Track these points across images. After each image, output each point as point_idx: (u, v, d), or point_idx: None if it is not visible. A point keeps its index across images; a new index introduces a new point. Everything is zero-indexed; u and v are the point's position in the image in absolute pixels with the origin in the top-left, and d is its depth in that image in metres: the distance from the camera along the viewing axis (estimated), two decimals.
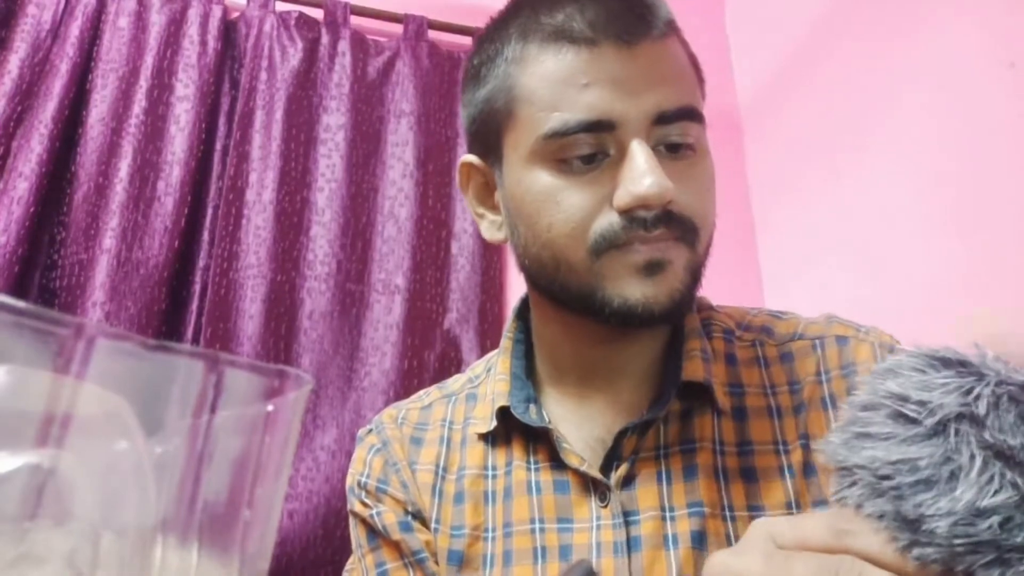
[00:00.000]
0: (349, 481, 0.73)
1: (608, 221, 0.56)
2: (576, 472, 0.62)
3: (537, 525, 0.62)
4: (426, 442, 0.71)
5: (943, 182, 1.22)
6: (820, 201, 1.51)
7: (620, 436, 0.62)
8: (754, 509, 0.59)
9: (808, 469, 0.60)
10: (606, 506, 0.61)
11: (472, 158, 0.66)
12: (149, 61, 1.46)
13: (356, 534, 0.71)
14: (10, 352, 0.19)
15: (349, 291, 1.49)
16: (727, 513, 0.59)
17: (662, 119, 0.56)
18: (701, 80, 0.63)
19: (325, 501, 1.38)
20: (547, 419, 0.65)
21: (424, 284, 1.53)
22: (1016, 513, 0.31)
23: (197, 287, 1.44)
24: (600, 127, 0.55)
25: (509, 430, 0.66)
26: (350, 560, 0.72)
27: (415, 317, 1.50)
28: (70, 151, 1.41)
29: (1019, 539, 0.31)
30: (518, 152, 0.60)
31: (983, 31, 1.20)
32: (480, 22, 1.86)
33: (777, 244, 1.68)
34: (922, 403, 0.34)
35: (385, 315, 1.49)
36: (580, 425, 0.65)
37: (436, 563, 0.67)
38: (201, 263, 1.45)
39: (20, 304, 0.19)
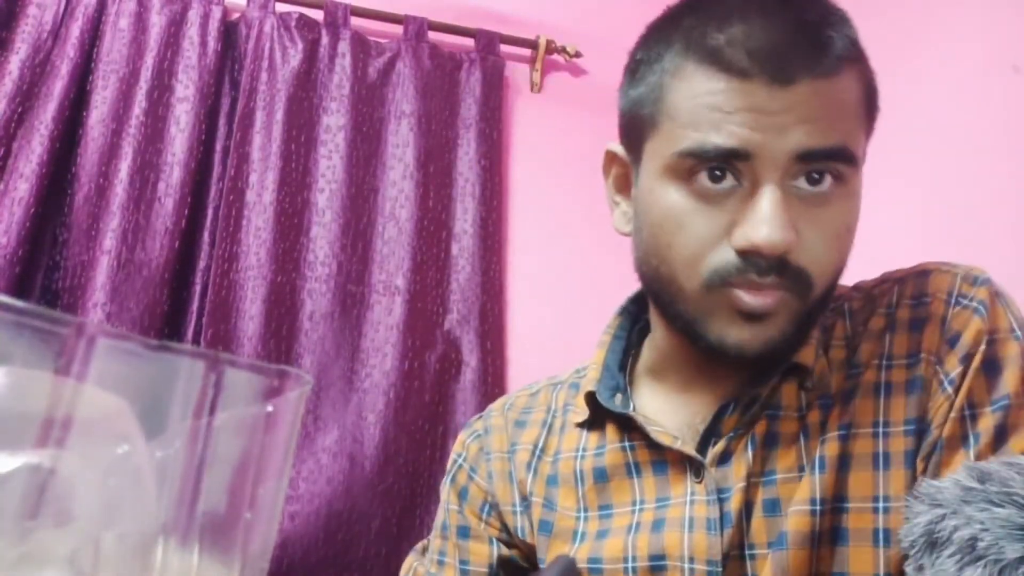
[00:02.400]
0: (448, 463, 0.77)
1: (724, 258, 0.55)
2: (672, 451, 0.62)
3: (638, 507, 0.63)
4: (529, 424, 0.73)
5: (945, 184, 1.22)
6: None
7: (720, 414, 0.62)
8: (843, 466, 0.58)
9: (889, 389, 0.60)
10: (700, 482, 0.61)
11: (617, 148, 0.66)
12: (149, 62, 1.46)
13: (439, 514, 0.76)
14: (11, 352, 0.19)
15: (350, 292, 1.49)
16: (800, 475, 0.59)
17: (806, 157, 0.54)
18: (872, 113, 0.59)
19: (327, 503, 1.38)
20: (632, 407, 0.66)
21: (425, 285, 1.53)
22: None
23: (198, 288, 1.44)
24: (736, 156, 0.54)
25: (603, 417, 0.67)
26: (428, 538, 0.77)
27: (416, 318, 1.50)
28: (71, 152, 1.41)
29: None
30: (654, 162, 0.59)
31: (986, 35, 1.19)
32: (480, 23, 1.86)
33: None
34: None
35: (386, 316, 1.49)
36: (676, 413, 0.66)
37: (511, 547, 0.71)
38: (202, 264, 1.45)
39: (21, 304, 0.19)
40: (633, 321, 0.73)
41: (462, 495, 0.74)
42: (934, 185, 1.24)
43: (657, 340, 0.69)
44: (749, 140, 0.53)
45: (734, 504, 0.59)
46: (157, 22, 1.49)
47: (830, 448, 0.58)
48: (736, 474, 0.60)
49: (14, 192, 1.33)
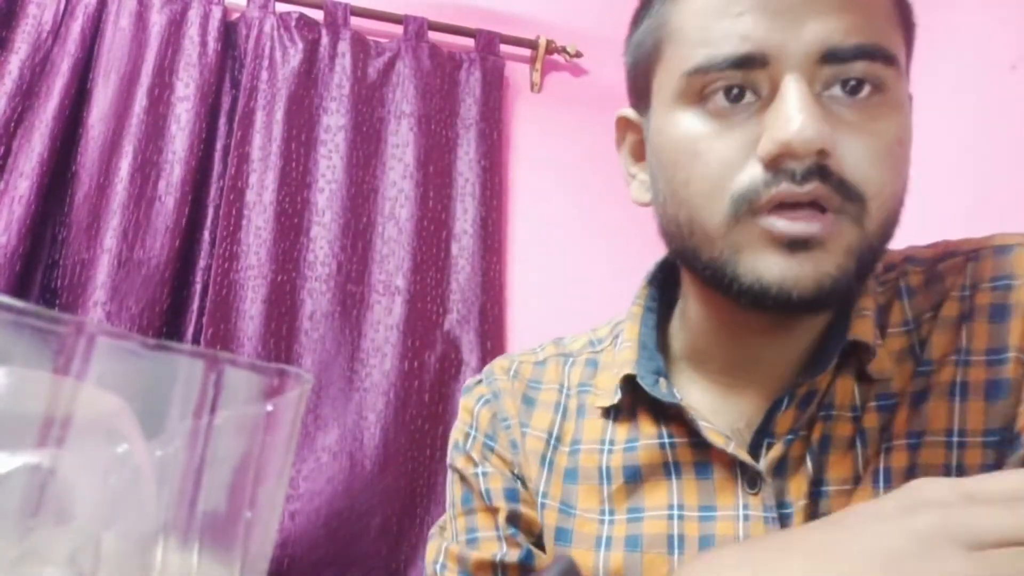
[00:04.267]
0: (453, 435, 0.66)
1: (750, 176, 0.47)
2: (721, 453, 0.53)
3: (676, 512, 0.55)
4: (539, 404, 0.63)
5: (945, 184, 1.22)
6: None
7: (773, 410, 0.52)
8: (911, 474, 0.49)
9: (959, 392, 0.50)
10: (756, 493, 0.52)
11: (628, 112, 0.59)
12: (150, 61, 1.46)
13: (452, 491, 0.65)
14: (10, 351, 0.19)
15: (350, 292, 1.49)
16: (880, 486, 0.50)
17: (832, 56, 0.46)
18: (907, 21, 0.51)
19: (327, 502, 1.38)
20: (679, 397, 0.56)
21: (424, 285, 1.53)
22: None
23: (198, 287, 1.44)
24: (751, 62, 0.46)
25: (635, 403, 0.58)
26: (442, 518, 0.67)
27: (415, 318, 1.50)
28: (71, 150, 1.41)
29: None
30: (663, 95, 0.52)
31: (985, 33, 1.19)
32: (480, 23, 1.86)
33: None
34: None
35: (385, 316, 1.49)
36: (719, 410, 0.56)
37: (532, 539, 0.61)
38: (202, 263, 1.45)
39: (19, 303, 0.19)
40: (661, 291, 0.63)
41: (482, 461, 0.63)
42: (933, 185, 1.24)
43: (691, 316, 0.59)
44: (764, 41, 0.46)
45: (796, 524, 0.50)
46: (157, 21, 1.49)
47: (897, 459, 0.50)
48: (796, 488, 0.51)
49: (14, 190, 1.33)
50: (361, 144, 1.56)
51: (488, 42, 1.68)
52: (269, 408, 0.23)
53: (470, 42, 1.68)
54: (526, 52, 1.74)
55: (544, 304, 1.63)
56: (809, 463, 0.51)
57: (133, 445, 0.21)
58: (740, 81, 0.47)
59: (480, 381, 0.68)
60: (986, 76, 1.18)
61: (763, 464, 0.52)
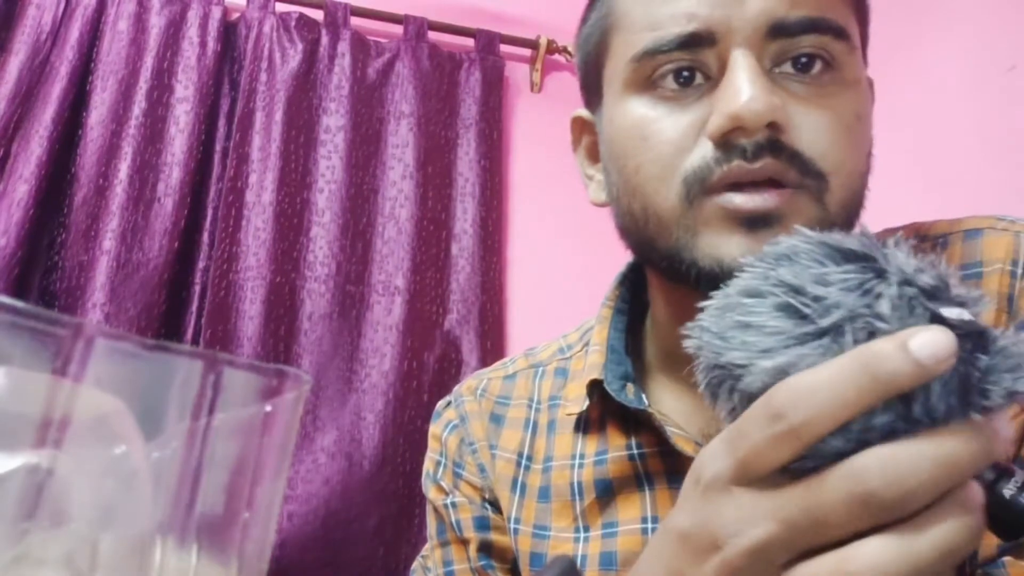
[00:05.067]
0: (425, 463, 0.65)
1: (701, 155, 0.45)
2: (691, 461, 0.53)
3: (650, 525, 0.53)
4: (507, 421, 0.61)
5: (944, 185, 1.22)
6: None
7: None
8: None
9: None
10: None
11: (582, 112, 0.58)
12: (149, 63, 1.46)
13: (428, 522, 0.65)
14: (8, 352, 0.19)
15: (349, 292, 1.49)
16: None
17: (779, 30, 0.45)
18: (860, 5, 0.50)
19: (324, 503, 1.38)
20: (646, 402, 0.53)
21: (424, 285, 1.53)
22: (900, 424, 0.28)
23: (197, 289, 1.44)
24: (698, 41, 0.45)
25: (603, 412, 0.56)
26: (425, 547, 0.66)
27: (415, 318, 1.50)
28: (70, 153, 1.41)
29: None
30: (612, 87, 0.51)
31: (983, 34, 1.20)
32: (480, 23, 1.86)
33: None
34: (817, 299, 0.29)
35: (385, 316, 1.49)
36: (692, 415, 0.54)
37: (506, 565, 0.60)
38: (201, 264, 1.45)
39: (18, 304, 0.19)
40: (635, 292, 0.62)
41: (452, 490, 0.63)
42: (932, 184, 1.24)
43: (658, 316, 0.57)
44: (709, 19, 0.45)
45: None
46: (156, 23, 1.49)
47: None
48: None
49: (13, 193, 1.33)
50: (361, 144, 1.56)
51: (488, 42, 1.68)
52: (267, 409, 0.23)
53: (470, 42, 1.68)
54: (526, 52, 1.74)
55: (544, 304, 1.63)
56: None
57: (131, 446, 0.21)
58: (689, 63, 0.46)
59: (449, 403, 0.67)
60: (986, 76, 1.18)
61: None
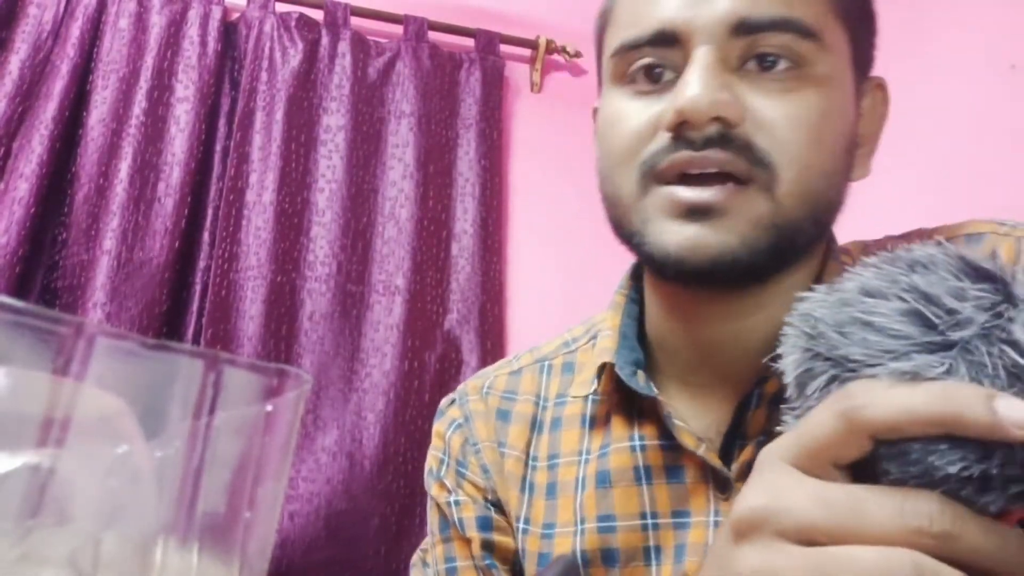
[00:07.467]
0: (428, 460, 0.65)
1: (657, 144, 0.47)
2: (692, 456, 0.51)
3: (649, 520, 0.53)
4: (514, 417, 0.61)
5: (944, 184, 1.22)
6: None
7: (742, 410, 0.50)
8: None
9: None
10: (727, 499, 0.50)
11: (598, 103, 0.59)
12: (149, 62, 1.46)
13: (429, 518, 0.65)
14: (10, 352, 0.19)
15: (349, 292, 1.49)
16: None
17: (743, 28, 0.46)
18: (849, 9, 0.50)
19: (326, 503, 1.38)
20: (655, 391, 0.53)
21: (424, 285, 1.53)
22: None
23: (198, 288, 1.44)
24: (663, 39, 0.47)
25: (609, 408, 0.56)
26: (425, 541, 0.66)
27: (415, 318, 1.50)
28: (71, 152, 1.41)
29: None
30: (604, 80, 0.54)
31: (984, 33, 1.19)
32: (480, 23, 1.86)
33: None
34: (951, 311, 0.29)
35: (385, 316, 1.49)
36: (694, 412, 0.54)
37: (507, 565, 0.60)
38: (201, 264, 1.45)
39: (19, 303, 0.19)
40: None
41: (455, 489, 0.63)
42: (933, 184, 1.24)
43: (650, 307, 0.57)
44: (675, 18, 0.47)
45: None
46: (157, 22, 1.49)
47: None
48: None
49: (14, 192, 1.33)
50: (361, 144, 1.56)
51: (488, 42, 1.68)
52: (268, 408, 0.23)
53: (470, 42, 1.68)
54: (526, 52, 1.74)
55: (544, 304, 1.63)
56: None
57: (133, 445, 0.21)
58: (658, 60, 0.49)
59: (453, 401, 0.67)
60: (986, 76, 1.18)
61: (734, 468, 0.50)
